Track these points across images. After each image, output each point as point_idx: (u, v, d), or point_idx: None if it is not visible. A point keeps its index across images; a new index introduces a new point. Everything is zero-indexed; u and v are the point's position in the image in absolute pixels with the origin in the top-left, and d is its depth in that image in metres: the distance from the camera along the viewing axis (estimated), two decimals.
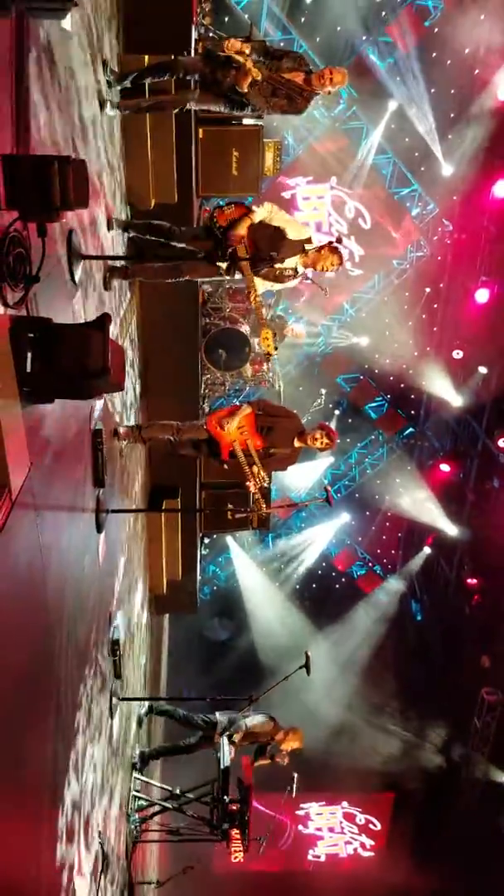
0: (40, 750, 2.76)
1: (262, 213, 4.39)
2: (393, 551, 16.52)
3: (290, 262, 4.43)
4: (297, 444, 4.82)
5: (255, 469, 4.60)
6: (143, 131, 4.99)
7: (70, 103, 3.30)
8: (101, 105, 4.05)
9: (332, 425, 14.46)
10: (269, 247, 4.35)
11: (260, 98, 4.33)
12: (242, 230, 4.34)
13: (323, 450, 4.89)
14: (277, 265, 4.37)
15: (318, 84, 4.30)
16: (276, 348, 4.44)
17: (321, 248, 4.47)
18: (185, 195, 5.78)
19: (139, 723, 5.88)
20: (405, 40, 11.46)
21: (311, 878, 13.44)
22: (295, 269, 4.47)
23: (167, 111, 4.63)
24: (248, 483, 4.61)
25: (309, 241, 4.50)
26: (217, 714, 5.95)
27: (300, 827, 14.06)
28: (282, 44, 10.57)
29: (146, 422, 5.59)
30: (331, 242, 4.54)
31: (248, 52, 4.12)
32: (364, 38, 11.57)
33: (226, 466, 4.86)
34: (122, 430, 4.80)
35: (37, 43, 2.73)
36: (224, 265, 4.40)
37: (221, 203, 10.04)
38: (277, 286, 4.65)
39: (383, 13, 11.43)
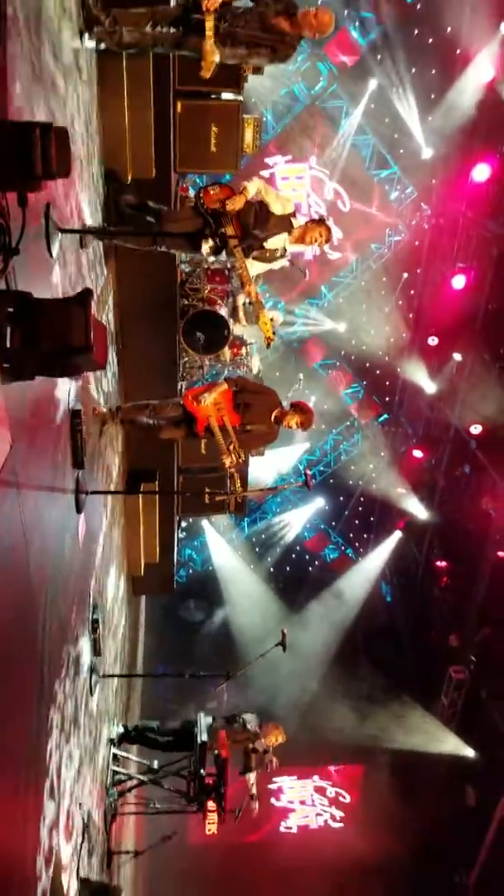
0: (23, 723, 2.76)
1: (253, 188, 4.18)
2: (365, 535, 16.72)
3: (278, 240, 4.24)
4: (274, 422, 4.80)
5: (231, 446, 4.59)
6: (119, 102, 4.86)
7: (47, 69, 3.20)
8: (79, 67, 3.87)
9: None
10: (256, 225, 4.17)
11: (239, 54, 4.07)
12: (240, 204, 4.13)
13: (301, 428, 4.83)
14: (266, 244, 4.20)
15: (303, 27, 4.08)
16: (274, 333, 4.32)
17: (308, 222, 4.34)
18: (164, 170, 5.66)
19: (113, 743, 5.66)
20: (387, 16, 11.29)
21: (282, 849, 13.78)
22: (284, 248, 4.30)
23: (143, 44, 4.20)
24: (223, 459, 4.60)
25: (294, 215, 4.34)
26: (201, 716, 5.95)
27: (273, 800, 14.33)
28: None
29: (123, 403, 5.50)
30: (321, 216, 4.45)
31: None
32: (346, 12, 11.37)
33: (202, 441, 4.82)
34: (100, 409, 4.71)
35: (12, 6, 2.62)
36: (208, 246, 4.19)
37: (200, 181, 9.77)
38: (267, 266, 4.48)
39: None
